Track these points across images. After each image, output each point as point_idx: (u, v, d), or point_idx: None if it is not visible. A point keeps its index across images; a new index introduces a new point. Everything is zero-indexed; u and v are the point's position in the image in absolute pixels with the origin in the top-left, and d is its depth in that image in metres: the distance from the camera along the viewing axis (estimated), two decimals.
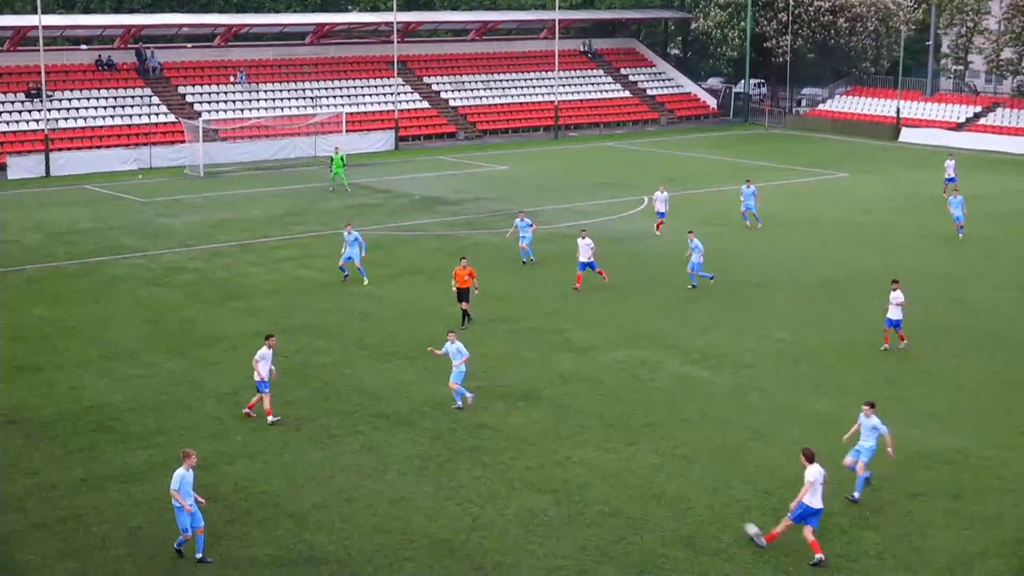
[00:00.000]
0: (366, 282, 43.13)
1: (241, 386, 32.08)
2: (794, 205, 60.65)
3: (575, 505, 24.90)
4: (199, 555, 22.19)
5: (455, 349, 30.64)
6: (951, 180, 61.32)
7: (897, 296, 35.14)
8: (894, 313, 35.19)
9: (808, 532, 22.47)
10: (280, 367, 33.67)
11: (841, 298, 41.49)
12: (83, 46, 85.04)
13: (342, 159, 64.94)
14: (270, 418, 29.59)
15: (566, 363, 34.37)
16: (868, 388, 32.21)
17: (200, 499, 22.55)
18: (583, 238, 42.27)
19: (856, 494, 25.03)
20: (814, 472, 22.60)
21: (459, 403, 30.64)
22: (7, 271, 45.58)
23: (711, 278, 42.61)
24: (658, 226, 52.22)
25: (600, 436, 28.57)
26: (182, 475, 22.14)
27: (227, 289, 42.90)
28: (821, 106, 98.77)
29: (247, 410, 30.11)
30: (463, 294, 37.60)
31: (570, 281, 42.45)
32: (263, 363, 29.61)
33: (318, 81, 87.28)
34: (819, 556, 22.33)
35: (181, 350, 35.51)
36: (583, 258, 42.11)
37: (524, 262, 46.07)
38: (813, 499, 22.57)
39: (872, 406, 25.34)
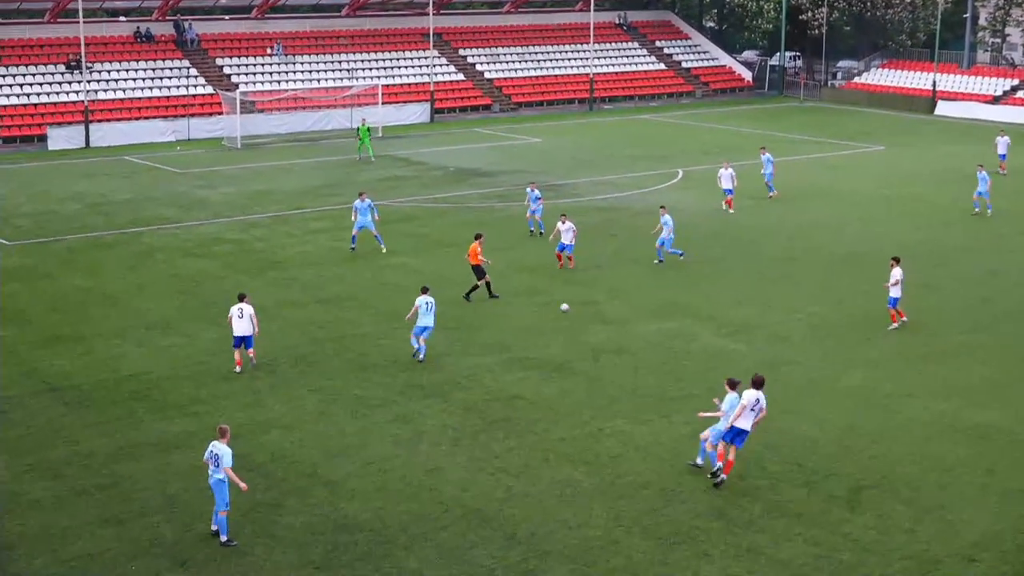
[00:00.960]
0: (384, 249, 43.58)
1: (278, 356, 32.24)
2: (829, 178, 60.33)
3: (608, 476, 24.92)
4: (223, 536, 22.12)
5: (424, 302, 31.91)
6: (1003, 157, 60.48)
7: (895, 274, 34.42)
8: (895, 291, 34.52)
9: (731, 452, 24.18)
10: (316, 338, 33.93)
11: (874, 271, 41.07)
12: (122, 18, 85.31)
13: (368, 130, 65.89)
14: (238, 368, 31.23)
15: (599, 335, 34.34)
16: (900, 362, 32.13)
17: (238, 482, 22.47)
18: (563, 222, 41.15)
19: (699, 459, 25.11)
20: (750, 396, 24.05)
21: (421, 356, 31.84)
22: (47, 241, 45.90)
23: (681, 255, 41.94)
24: (728, 203, 51.03)
25: (633, 408, 28.56)
26: (231, 452, 22.01)
27: (263, 260, 43.06)
28: (857, 79, 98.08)
29: (238, 368, 31.27)
30: (476, 270, 37.46)
31: (600, 254, 42.36)
32: (244, 320, 31.11)
33: (354, 53, 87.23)
34: (724, 477, 24.19)
35: (217, 320, 35.60)
36: (565, 240, 40.96)
37: (532, 232, 46.01)
38: (743, 422, 24.04)
39: (733, 385, 24.91)
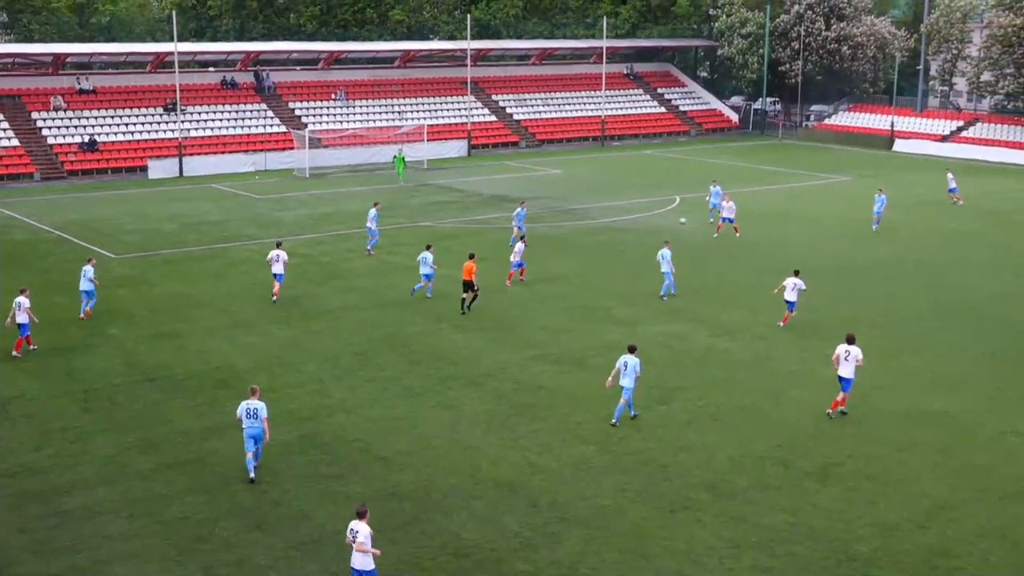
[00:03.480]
0: (368, 252, 45.61)
1: (340, 351, 32.24)
2: (803, 204, 60.03)
3: (616, 454, 24.80)
4: (252, 474, 23.42)
5: (421, 257, 38.05)
6: (953, 190, 60.26)
7: (794, 283, 34.53)
8: (790, 296, 34.55)
9: (841, 395, 27.12)
10: (372, 336, 33.92)
11: (844, 282, 41.02)
12: (211, 68, 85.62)
13: (403, 159, 68.63)
14: (276, 298, 37.52)
15: (611, 335, 34.18)
16: (868, 357, 31.74)
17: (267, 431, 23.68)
18: (521, 242, 41.27)
19: (631, 413, 26.72)
20: (839, 349, 27.07)
21: (420, 291, 38.15)
22: (148, 254, 46.05)
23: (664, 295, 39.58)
24: (735, 229, 49.50)
25: (639, 396, 28.27)
26: (265, 404, 23.43)
27: (328, 271, 43.07)
28: (827, 120, 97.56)
29: (275, 298, 37.54)
30: (468, 285, 36.64)
31: (611, 267, 42.21)
32: (279, 263, 37.55)
33: (404, 98, 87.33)
34: (841, 408, 27.13)
35: (290, 321, 35.72)
36: (516, 258, 40.29)
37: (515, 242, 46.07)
38: (843, 371, 26.95)
39: (632, 350, 26.38)
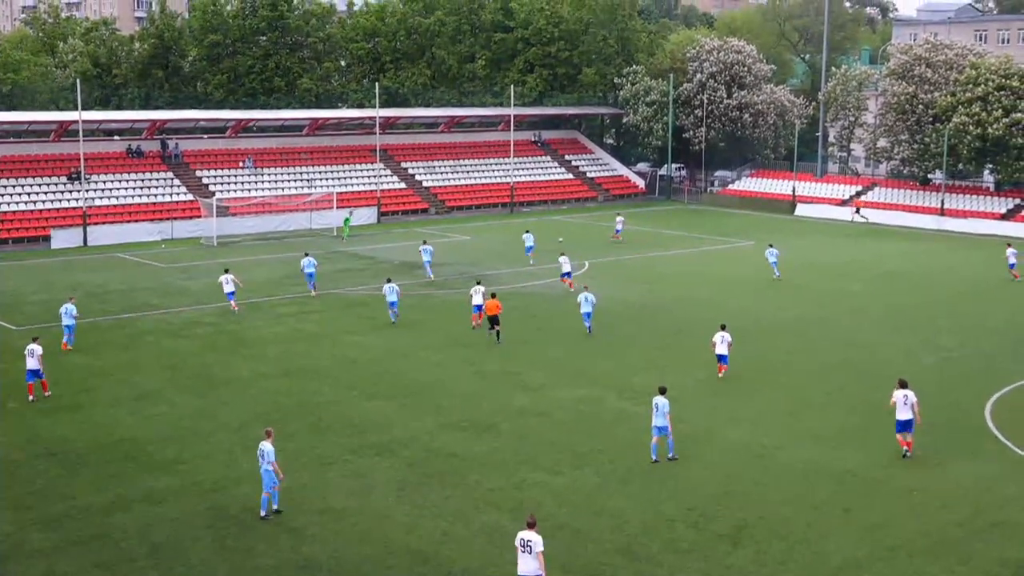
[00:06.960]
0: (314, 294, 50.26)
1: (249, 421, 31.73)
2: (708, 267, 60.91)
3: None
4: (275, 506, 24.92)
5: (389, 288, 44.40)
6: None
7: (722, 336, 36.40)
8: (721, 349, 36.28)
9: (908, 436, 28.54)
10: (282, 404, 33.47)
11: (749, 342, 41.52)
12: (116, 137, 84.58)
13: (347, 220, 74.38)
14: (236, 310, 45.81)
15: (522, 400, 34.19)
16: (775, 416, 32.28)
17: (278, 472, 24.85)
18: (479, 284, 44.85)
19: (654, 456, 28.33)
20: (897, 395, 28.35)
21: (394, 319, 44.07)
22: (52, 326, 44.87)
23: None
24: (570, 284, 51.84)
25: (551, 461, 28.39)
26: (273, 449, 24.77)
27: (237, 340, 42.49)
28: (731, 186, 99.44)
29: (235, 309, 45.59)
30: (494, 320, 40.92)
31: (522, 332, 42.34)
32: (228, 284, 45.88)
33: (313, 166, 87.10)
34: (905, 450, 28.55)
35: (198, 391, 35.10)
36: (476, 302, 43.56)
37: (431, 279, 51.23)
38: (901, 414, 28.28)
39: (663, 391, 28.39)
